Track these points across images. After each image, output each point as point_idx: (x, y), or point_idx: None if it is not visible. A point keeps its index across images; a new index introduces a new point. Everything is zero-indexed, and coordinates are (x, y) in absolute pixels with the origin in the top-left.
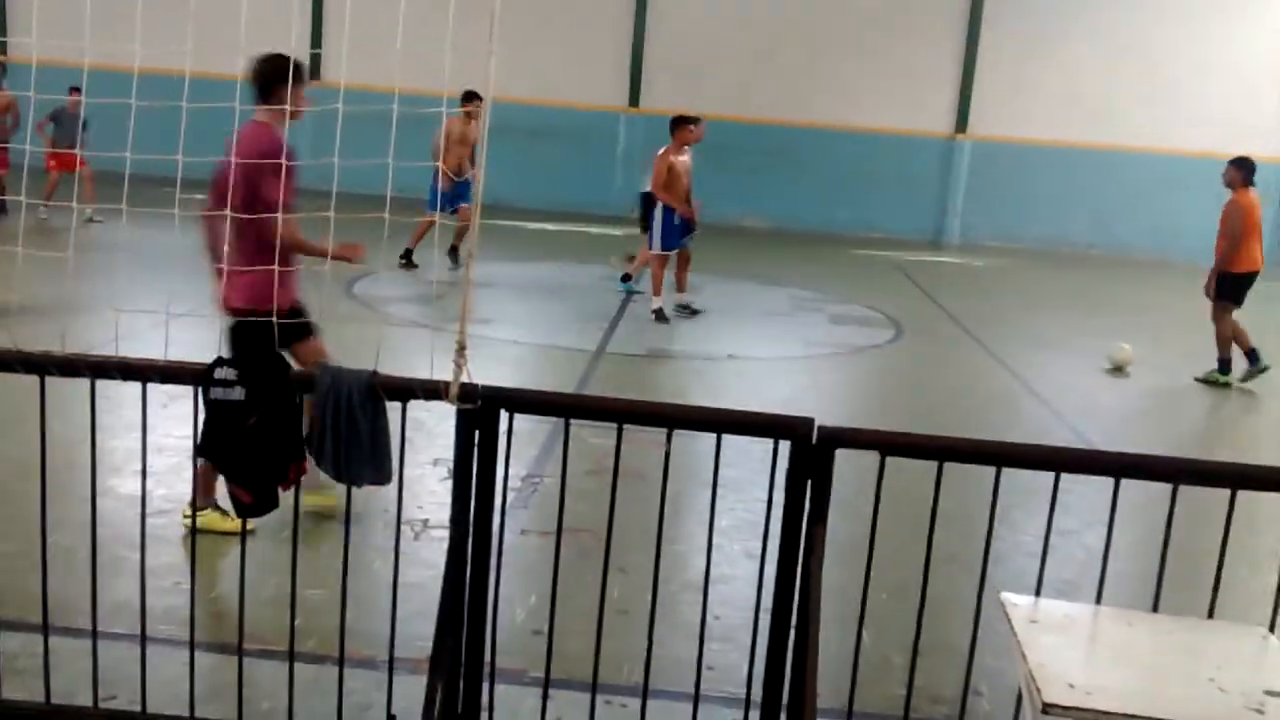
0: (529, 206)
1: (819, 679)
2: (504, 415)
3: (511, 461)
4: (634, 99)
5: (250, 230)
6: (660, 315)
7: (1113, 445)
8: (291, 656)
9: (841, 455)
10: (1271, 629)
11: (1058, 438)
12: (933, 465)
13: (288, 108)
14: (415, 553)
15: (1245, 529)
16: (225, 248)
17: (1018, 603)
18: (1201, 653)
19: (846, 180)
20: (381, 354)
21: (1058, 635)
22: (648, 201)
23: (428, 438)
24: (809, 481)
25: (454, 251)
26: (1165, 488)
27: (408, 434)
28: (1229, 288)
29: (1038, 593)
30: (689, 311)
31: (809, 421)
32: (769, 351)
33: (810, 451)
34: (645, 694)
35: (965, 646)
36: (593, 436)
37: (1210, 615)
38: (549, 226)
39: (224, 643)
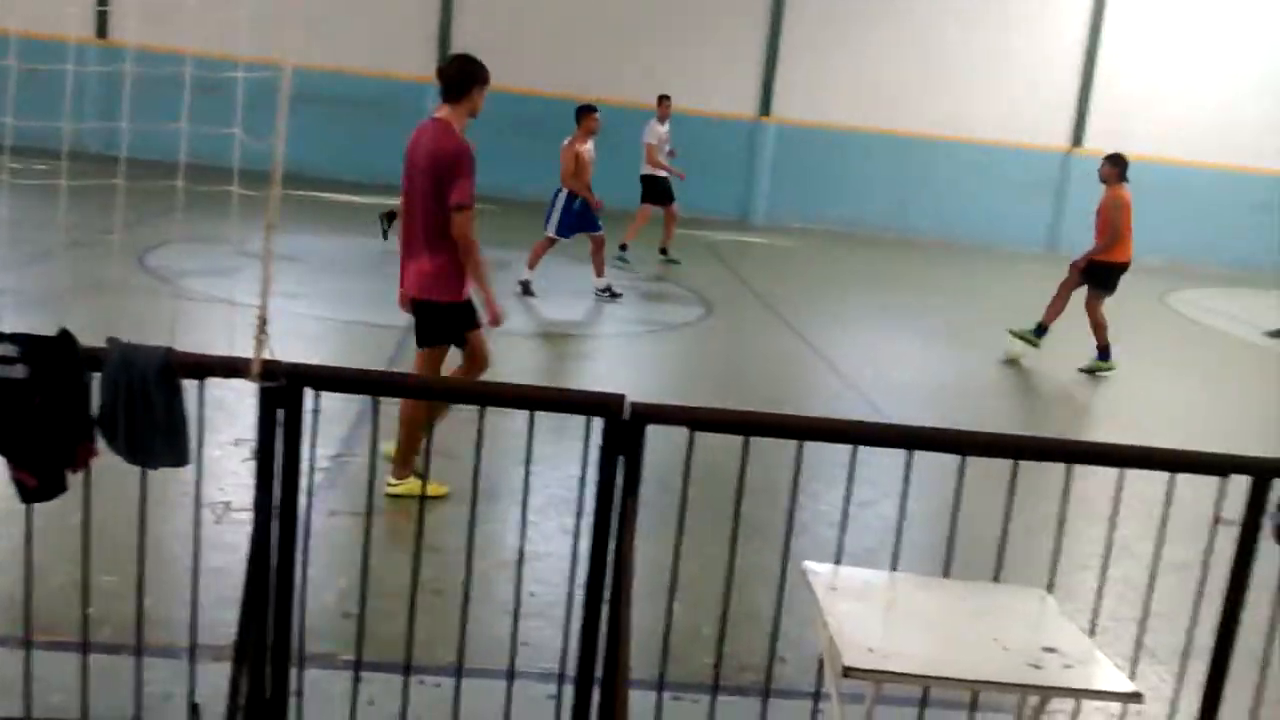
0: (336, 177)
1: (631, 651)
2: (310, 393)
3: (319, 441)
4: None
5: (441, 223)
6: (527, 288)
7: (908, 420)
8: (85, 647)
9: (653, 430)
10: (1049, 590)
11: (857, 412)
12: (740, 439)
13: (477, 111)
14: (218, 537)
15: (1027, 497)
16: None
17: (819, 571)
18: (987, 614)
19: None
20: (177, 329)
21: (856, 602)
22: (559, 193)
23: (229, 417)
24: (621, 457)
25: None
26: (955, 459)
27: (207, 414)
28: (1104, 278)
29: (838, 561)
30: (610, 295)
31: (620, 398)
32: (582, 329)
33: (622, 428)
34: (460, 673)
35: (770, 616)
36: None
37: (996, 579)
38: (357, 198)
39: (7, 635)
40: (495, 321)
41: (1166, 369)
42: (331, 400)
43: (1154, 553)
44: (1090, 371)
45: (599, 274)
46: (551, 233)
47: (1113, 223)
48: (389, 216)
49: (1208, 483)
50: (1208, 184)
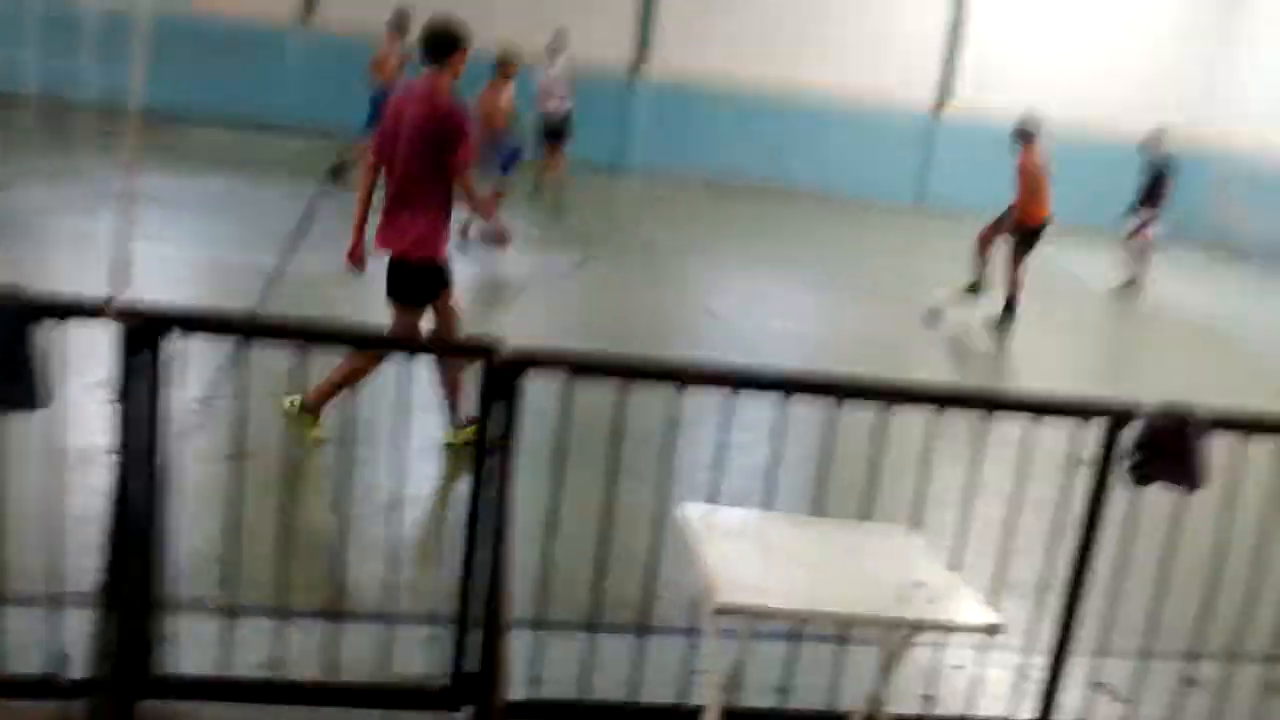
0: (200, 114)
1: (510, 593)
2: (173, 335)
3: (185, 385)
4: (308, 7)
5: (433, 184)
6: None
7: (785, 365)
8: None
9: (531, 375)
10: (917, 528)
11: (735, 359)
12: (618, 384)
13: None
14: (80, 482)
15: (897, 440)
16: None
17: (695, 511)
18: (858, 551)
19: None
20: (34, 268)
21: (732, 541)
22: (489, 145)
23: (91, 360)
24: (500, 401)
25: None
26: (828, 403)
27: (69, 356)
28: (1024, 238)
29: (714, 502)
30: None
31: (498, 342)
32: (463, 275)
33: (500, 372)
34: (336, 615)
35: (649, 555)
36: (273, 360)
37: (866, 518)
38: (222, 135)
39: None
40: (504, 241)
41: (1027, 319)
42: (200, 343)
43: (1015, 492)
44: (997, 328)
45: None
46: (510, 175)
47: (1027, 185)
48: (339, 169)
49: (1067, 425)
50: (1068, 144)
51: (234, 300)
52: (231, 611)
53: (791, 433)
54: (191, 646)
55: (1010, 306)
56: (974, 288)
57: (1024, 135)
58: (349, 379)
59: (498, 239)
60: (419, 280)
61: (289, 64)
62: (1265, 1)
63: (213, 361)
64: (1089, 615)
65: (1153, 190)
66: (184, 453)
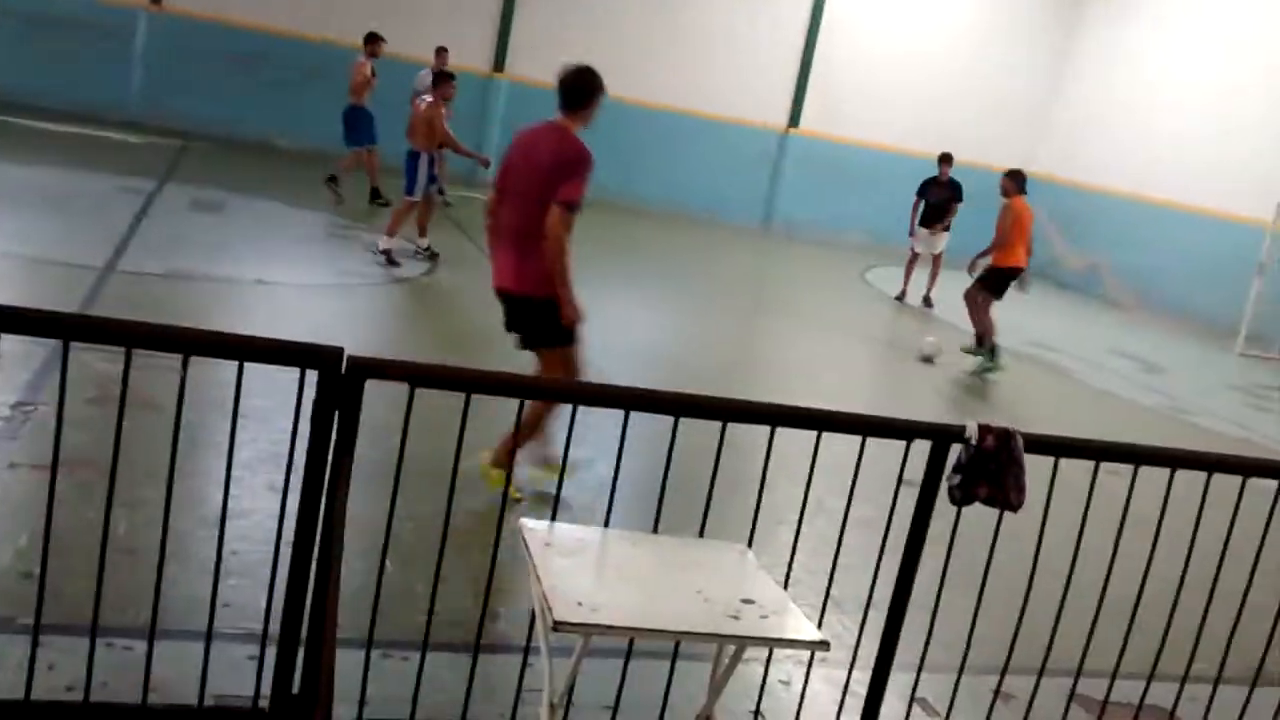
0: (30, 103)
1: (340, 610)
2: None
3: (4, 388)
4: None
5: (539, 223)
6: (389, 257)
7: (632, 383)
8: None
9: (372, 386)
10: (749, 544)
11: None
12: (461, 397)
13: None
14: None
15: (734, 457)
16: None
17: (534, 527)
18: (693, 568)
19: (384, 109)
20: None
21: (570, 557)
22: (413, 156)
23: None
24: (337, 412)
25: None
26: (669, 420)
27: None
28: (995, 282)
29: (553, 518)
30: (431, 255)
31: (338, 351)
32: (300, 278)
33: (339, 381)
34: (152, 634)
35: (486, 572)
36: (99, 361)
37: (701, 534)
38: (54, 127)
39: None
40: (572, 321)
41: (863, 340)
42: (14, 343)
43: (844, 510)
44: (981, 372)
45: (422, 234)
46: (417, 196)
47: (1004, 231)
48: (333, 180)
49: (895, 445)
50: (909, 171)
51: (57, 299)
52: (39, 630)
53: (633, 448)
54: (3, 668)
55: (984, 344)
56: (980, 343)
57: (1011, 186)
58: (533, 429)
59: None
60: (547, 316)
61: (135, 51)
62: (1094, 43)
63: (31, 364)
64: (910, 631)
65: (935, 211)
66: None
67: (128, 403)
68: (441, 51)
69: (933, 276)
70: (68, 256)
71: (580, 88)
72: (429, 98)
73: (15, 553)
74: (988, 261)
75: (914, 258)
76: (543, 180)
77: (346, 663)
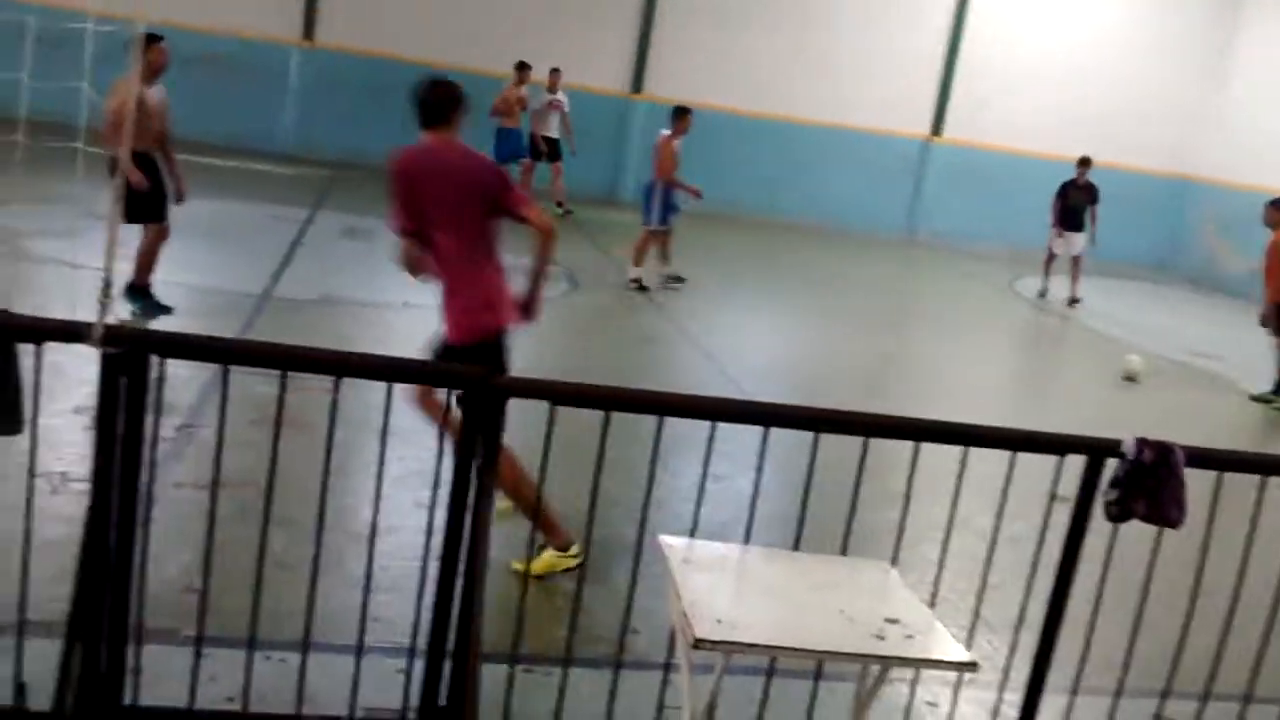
0: (191, 139)
1: (484, 624)
2: (155, 361)
3: (166, 410)
4: (308, 32)
5: (482, 243)
6: (639, 284)
7: (771, 398)
8: None
9: (514, 404)
10: (894, 563)
11: (718, 390)
12: (600, 414)
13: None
14: (54, 508)
15: (876, 473)
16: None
17: (674, 544)
18: (835, 586)
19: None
20: (14, 292)
21: (709, 574)
22: (650, 186)
23: (69, 385)
24: (481, 430)
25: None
26: (809, 435)
27: (45, 380)
28: (1275, 319)
29: (693, 534)
30: (677, 281)
31: (480, 372)
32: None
33: (483, 401)
34: (306, 647)
35: (626, 588)
36: (257, 385)
37: (843, 552)
38: (214, 161)
39: None
40: (531, 318)
41: (1013, 352)
42: (181, 368)
43: (993, 527)
44: (1264, 401)
45: (666, 262)
46: (654, 225)
47: (1269, 268)
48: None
49: (1045, 461)
50: (1057, 177)
51: (218, 325)
52: (201, 642)
53: (772, 465)
54: (160, 678)
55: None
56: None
57: (1275, 216)
58: (520, 492)
59: None
60: (499, 348)
61: (288, 85)
62: (1251, 40)
63: (197, 387)
64: (1064, 652)
65: (1073, 213)
66: (161, 480)
67: (283, 424)
68: (555, 73)
69: (1074, 278)
70: (228, 284)
71: (443, 101)
72: (666, 131)
73: (179, 568)
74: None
75: (1051, 258)
76: (467, 204)
77: (491, 677)
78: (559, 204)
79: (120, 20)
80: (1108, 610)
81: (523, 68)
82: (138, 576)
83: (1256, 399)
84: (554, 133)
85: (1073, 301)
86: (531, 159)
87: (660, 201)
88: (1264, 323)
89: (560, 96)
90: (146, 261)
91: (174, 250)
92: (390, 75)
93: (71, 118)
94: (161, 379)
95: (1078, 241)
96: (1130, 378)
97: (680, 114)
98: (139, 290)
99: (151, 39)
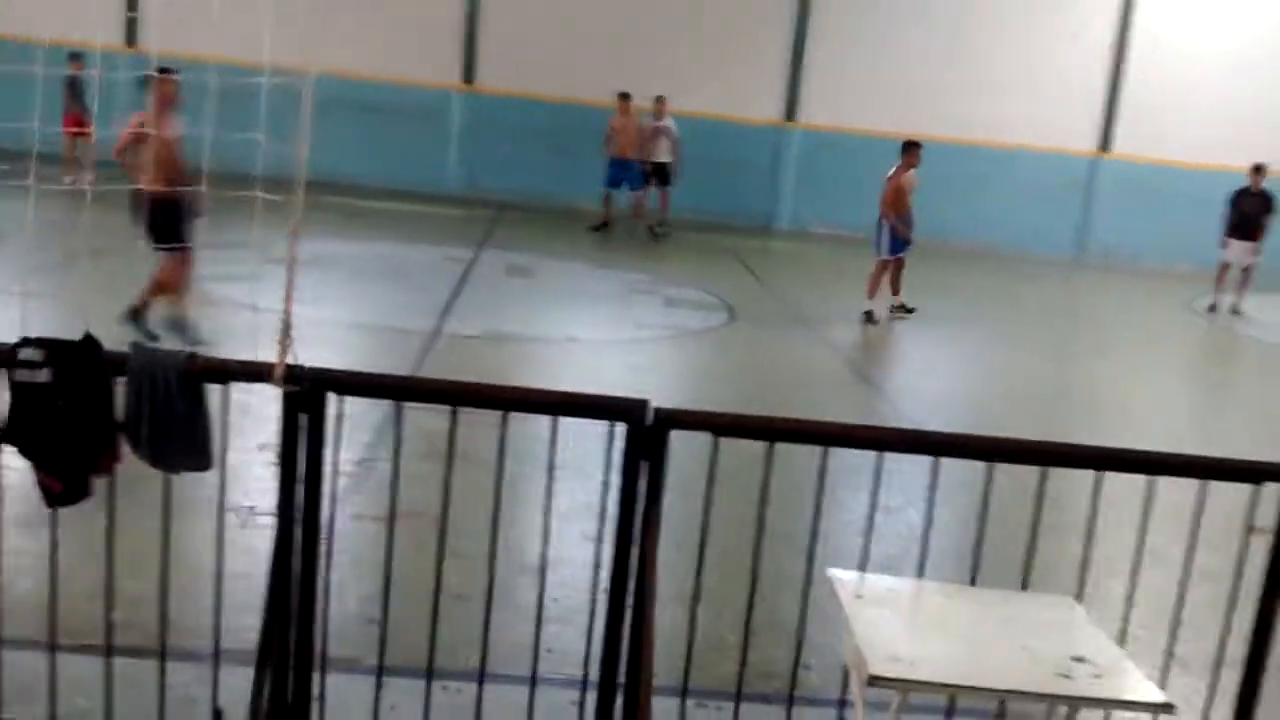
0: (362, 183)
1: (655, 657)
2: (333, 398)
3: (344, 446)
4: (468, 76)
5: None
6: (870, 317)
7: (937, 427)
8: (109, 650)
9: (676, 436)
10: (1078, 598)
11: (883, 419)
12: (763, 445)
13: None
14: (242, 541)
15: (1055, 504)
16: None
17: (844, 578)
18: (1016, 622)
19: (684, 165)
20: (201, 334)
21: (882, 609)
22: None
23: (255, 422)
24: (644, 463)
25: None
26: (982, 466)
27: (232, 418)
28: None
29: (863, 568)
30: (906, 311)
31: (644, 403)
32: (605, 334)
33: (645, 433)
34: (482, 678)
35: (795, 623)
36: (428, 420)
37: (1023, 587)
38: (383, 204)
39: (33, 639)
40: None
41: (1196, 375)
42: (355, 405)
43: (1184, 560)
44: None
45: (895, 292)
46: (885, 255)
47: None
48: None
49: (1239, 490)
50: (1232, 188)
51: (390, 362)
52: (381, 671)
53: (943, 496)
54: (344, 706)
55: None
56: None
57: None
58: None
59: None
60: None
61: (450, 129)
62: None
63: (371, 422)
64: (1269, 694)
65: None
66: (341, 513)
67: (455, 458)
68: (660, 100)
69: (1242, 286)
70: (399, 322)
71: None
72: (898, 166)
73: (359, 599)
74: None
75: (1225, 268)
76: None
77: (662, 710)
78: (660, 223)
79: (291, 73)
80: None
81: (624, 97)
82: (321, 607)
83: None
84: (663, 158)
85: (1234, 311)
86: (641, 185)
87: (888, 235)
88: None
89: (666, 122)
90: (156, 287)
91: (350, 291)
92: (546, 116)
93: (247, 166)
94: (340, 415)
95: (1250, 251)
96: None
97: (908, 148)
98: (135, 311)
99: (163, 71)
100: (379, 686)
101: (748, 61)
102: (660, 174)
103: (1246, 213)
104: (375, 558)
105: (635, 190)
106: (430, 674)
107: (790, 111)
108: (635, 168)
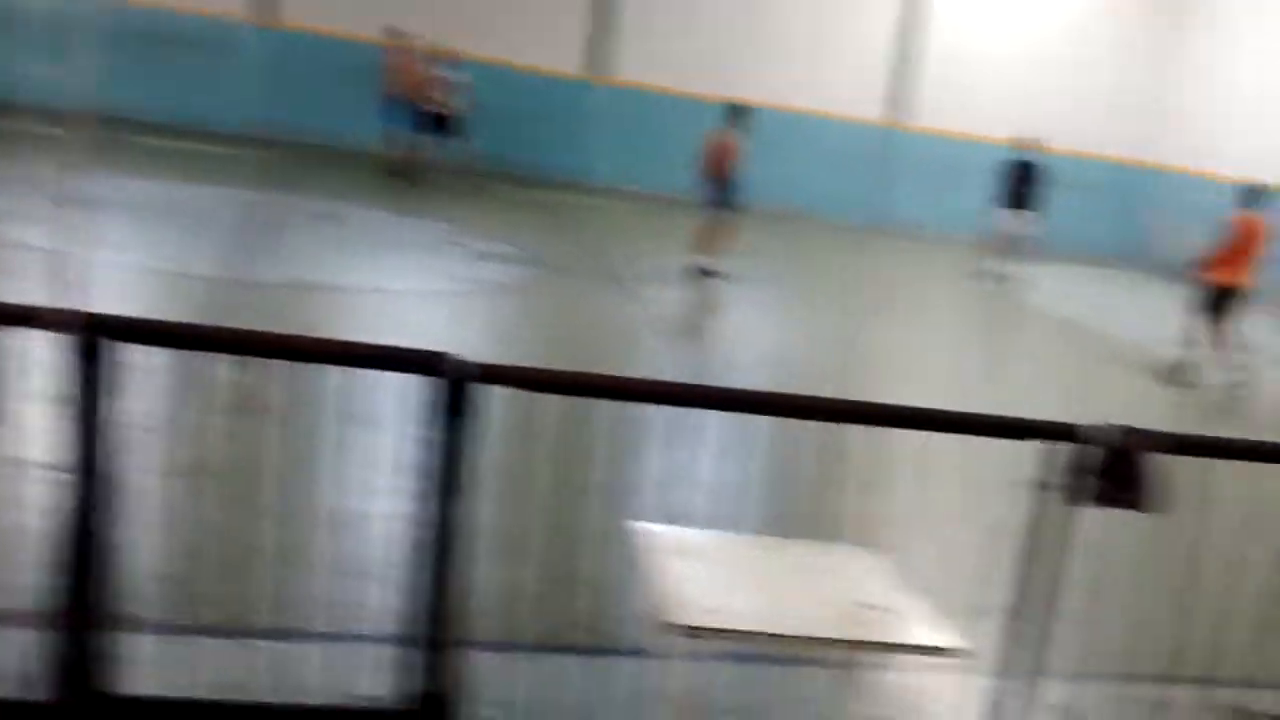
0: (152, 119)
1: (466, 613)
2: (122, 347)
3: (134, 397)
4: (270, 9)
5: None
6: (707, 273)
7: (740, 384)
8: None
9: (486, 391)
10: (877, 549)
11: (691, 375)
12: (573, 401)
13: None
14: (23, 497)
15: (851, 460)
16: None
17: (654, 531)
18: (818, 572)
19: (495, 117)
20: None
21: (691, 561)
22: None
23: (34, 370)
24: (453, 417)
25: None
26: (784, 423)
27: (6, 366)
28: (1218, 297)
29: (673, 522)
30: (715, 275)
31: (453, 357)
32: (415, 285)
33: (454, 387)
34: (285, 635)
35: (607, 575)
36: (226, 372)
37: (823, 538)
38: (175, 143)
39: None
40: None
41: (975, 339)
42: (148, 355)
43: (975, 513)
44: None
45: (709, 254)
46: (717, 213)
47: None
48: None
49: (1019, 446)
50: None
51: (181, 310)
52: (185, 630)
53: (748, 451)
54: (143, 666)
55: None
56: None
57: (1250, 196)
58: None
59: None
60: None
61: (245, 65)
62: (1213, 29)
63: (163, 373)
64: (1049, 638)
65: (1020, 190)
66: (132, 467)
67: (253, 410)
68: (450, 48)
69: (1017, 254)
70: (195, 269)
71: None
72: (724, 129)
73: (157, 556)
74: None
75: (1001, 238)
76: None
77: (479, 664)
78: (451, 171)
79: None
80: (1094, 597)
81: (398, 35)
82: (115, 564)
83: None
84: (451, 108)
85: (993, 275)
86: (420, 131)
87: (714, 194)
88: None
89: (455, 72)
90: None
91: (139, 234)
92: (351, 56)
93: (18, 95)
94: (126, 365)
95: (1026, 221)
96: (1173, 374)
97: (735, 112)
98: None
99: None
100: (177, 644)
101: (557, 14)
102: (448, 124)
103: (1019, 184)
104: (170, 513)
105: (419, 134)
106: (230, 631)
107: (599, 66)
108: (412, 108)
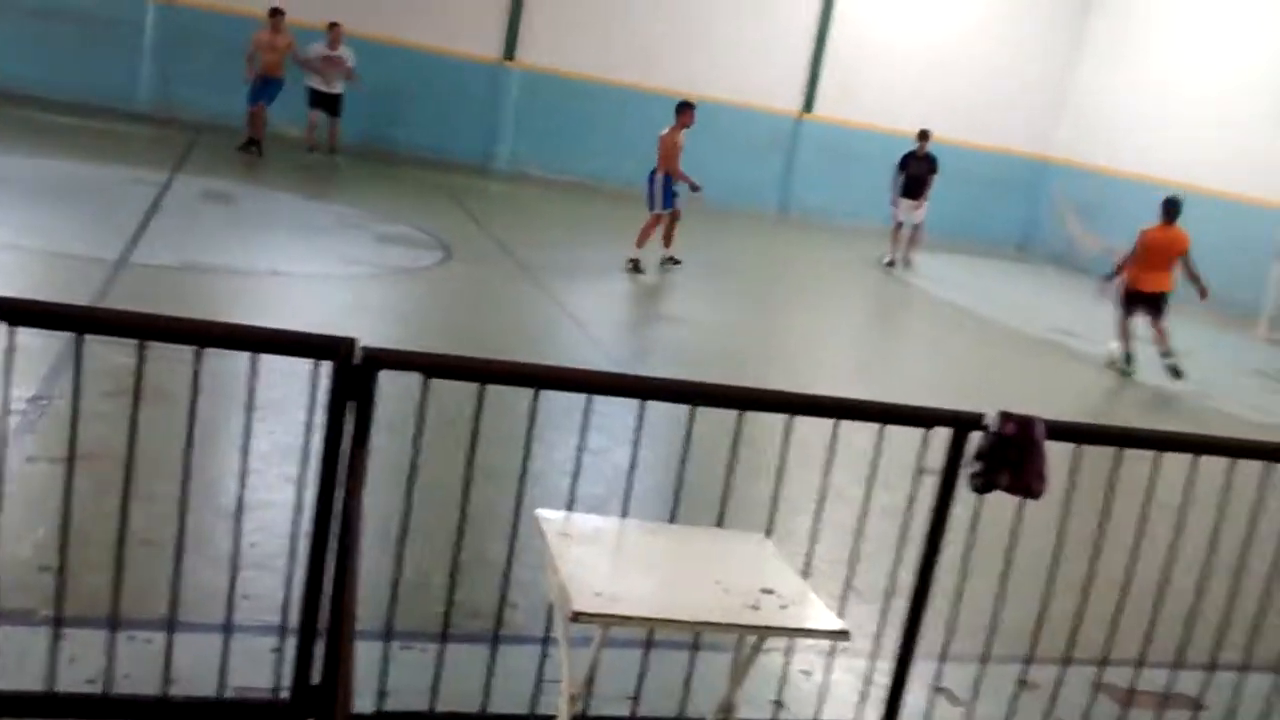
0: (42, 95)
1: (359, 601)
2: (4, 328)
3: (14, 381)
4: None
5: None
6: (635, 265)
7: (645, 372)
8: None
9: (386, 376)
10: (768, 534)
11: (593, 363)
12: (476, 387)
13: None
14: None
15: (750, 446)
16: None
17: (550, 517)
18: (712, 558)
19: (396, 97)
20: None
21: (587, 547)
22: (653, 175)
23: None
24: (351, 403)
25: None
26: (685, 409)
27: None
28: (1131, 301)
29: (570, 508)
30: (674, 262)
31: (351, 342)
32: (312, 269)
33: (353, 372)
34: (172, 627)
35: (502, 563)
36: (115, 355)
37: (719, 524)
38: (65, 119)
39: None
40: None
41: (875, 326)
42: (29, 336)
43: (864, 498)
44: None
45: (667, 245)
46: (659, 209)
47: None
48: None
49: (913, 433)
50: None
51: (69, 292)
52: (59, 622)
53: (648, 437)
54: (16, 660)
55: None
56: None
57: (1169, 208)
58: None
59: None
60: None
61: (143, 43)
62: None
63: (48, 357)
64: (933, 620)
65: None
66: (13, 454)
67: (143, 395)
68: (334, 26)
69: (911, 242)
70: (80, 249)
71: None
72: (673, 125)
73: (34, 546)
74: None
75: (898, 227)
76: None
77: (366, 654)
78: (330, 151)
79: None
80: (974, 579)
81: (277, 13)
82: None
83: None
84: (336, 88)
85: (907, 262)
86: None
87: (662, 189)
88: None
89: (340, 51)
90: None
91: (25, 213)
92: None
93: None
94: (10, 348)
95: (919, 211)
96: (1112, 365)
97: (682, 108)
98: None
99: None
100: (56, 638)
101: None
102: (330, 105)
103: (914, 174)
104: (52, 502)
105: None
106: (114, 623)
107: (509, 50)
108: (277, 86)
